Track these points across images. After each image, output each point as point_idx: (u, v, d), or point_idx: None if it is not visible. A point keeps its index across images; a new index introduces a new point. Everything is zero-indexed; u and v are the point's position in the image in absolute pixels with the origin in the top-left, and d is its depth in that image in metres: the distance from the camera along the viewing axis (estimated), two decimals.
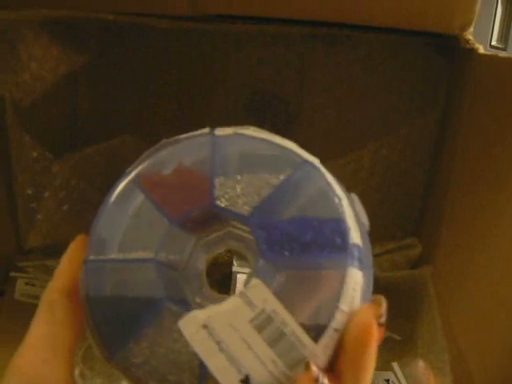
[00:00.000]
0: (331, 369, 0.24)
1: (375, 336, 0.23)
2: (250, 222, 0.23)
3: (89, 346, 0.23)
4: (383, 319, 0.24)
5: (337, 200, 0.23)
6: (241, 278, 0.59)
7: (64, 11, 0.63)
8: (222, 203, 0.23)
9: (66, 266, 0.25)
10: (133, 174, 0.24)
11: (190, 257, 0.25)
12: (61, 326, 0.23)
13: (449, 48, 0.63)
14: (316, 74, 0.73)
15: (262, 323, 0.21)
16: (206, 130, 0.26)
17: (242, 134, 0.25)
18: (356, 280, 0.23)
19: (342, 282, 0.22)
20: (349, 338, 0.23)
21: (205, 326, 0.21)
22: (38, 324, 0.24)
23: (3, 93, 0.63)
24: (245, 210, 0.23)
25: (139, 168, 0.25)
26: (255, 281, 0.21)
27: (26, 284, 0.67)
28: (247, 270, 0.59)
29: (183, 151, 0.25)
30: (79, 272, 0.24)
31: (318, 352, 0.22)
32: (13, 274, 0.68)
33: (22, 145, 0.66)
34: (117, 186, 0.25)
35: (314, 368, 0.22)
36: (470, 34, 0.57)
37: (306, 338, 0.21)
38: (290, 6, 0.61)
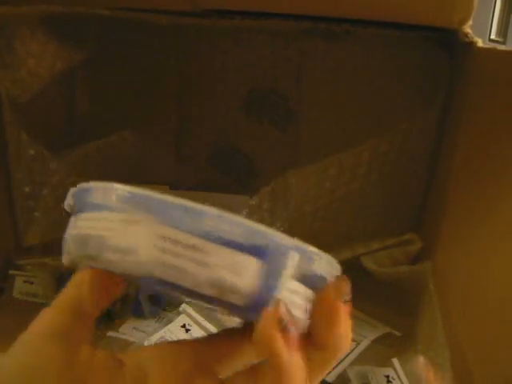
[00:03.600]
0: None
1: (342, 314, 0.23)
2: None
3: None
4: (348, 297, 0.23)
5: None
6: None
7: (61, 7, 0.62)
8: None
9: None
10: None
11: None
12: (86, 298, 0.25)
13: (448, 42, 0.63)
14: (315, 69, 0.73)
15: None
16: None
17: None
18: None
19: None
20: (316, 318, 0.23)
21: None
22: (66, 292, 0.25)
23: (0, 89, 0.63)
24: None
25: None
26: None
27: (25, 282, 0.67)
28: None
29: None
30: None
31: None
32: (11, 271, 0.68)
33: (19, 142, 0.65)
34: None
35: (282, 308, 0.21)
36: (468, 28, 0.57)
37: None
38: (288, 0, 0.61)
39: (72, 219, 0.24)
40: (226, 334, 0.27)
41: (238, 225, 0.21)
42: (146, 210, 0.21)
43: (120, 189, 0.22)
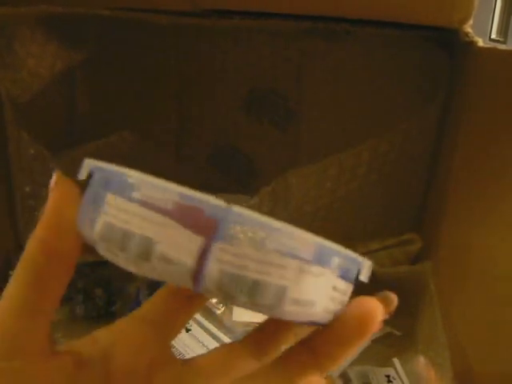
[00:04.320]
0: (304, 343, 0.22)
1: (374, 331, 0.21)
2: None
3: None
4: (387, 317, 0.23)
5: None
6: None
7: (61, 7, 0.62)
8: None
9: (53, 220, 0.22)
10: None
11: None
12: (42, 292, 0.21)
13: (448, 42, 0.63)
14: (315, 69, 0.73)
15: None
16: None
17: None
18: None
19: None
20: (348, 322, 0.21)
21: None
22: (16, 287, 0.21)
23: (0, 89, 0.63)
24: None
25: None
26: None
27: None
28: None
29: None
30: (68, 228, 0.22)
31: None
32: (11, 272, 0.68)
33: (19, 142, 0.65)
34: None
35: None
36: (469, 27, 0.57)
37: None
38: (288, 0, 0.61)
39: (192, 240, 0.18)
40: (174, 299, 0.27)
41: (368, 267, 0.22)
42: (321, 261, 0.20)
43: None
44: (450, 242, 0.62)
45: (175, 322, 0.26)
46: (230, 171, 0.79)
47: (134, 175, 0.20)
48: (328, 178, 0.69)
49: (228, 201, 0.20)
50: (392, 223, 0.72)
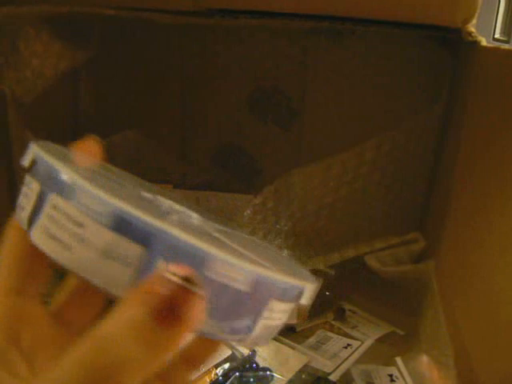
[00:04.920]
0: None
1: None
2: None
3: None
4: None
5: None
6: None
7: (65, 7, 0.62)
8: None
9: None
10: None
11: None
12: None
13: (452, 41, 0.63)
14: (318, 68, 0.73)
15: None
16: None
17: None
18: None
19: None
20: None
21: None
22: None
23: (4, 89, 0.63)
24: None
25: None
26: None
27: None
28: None
29: None
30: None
31: None
32: None
33: (23, 142, 0.66)
34: None
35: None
36: (472, 27, 0.57)
37: None
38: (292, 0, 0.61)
39: None
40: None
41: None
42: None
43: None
44: (453, 241, 0.62)
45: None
46: (233, 170, 0.79)
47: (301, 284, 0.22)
48: (331, 177, 0.69)
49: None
50: (395, 222, 0.72)
